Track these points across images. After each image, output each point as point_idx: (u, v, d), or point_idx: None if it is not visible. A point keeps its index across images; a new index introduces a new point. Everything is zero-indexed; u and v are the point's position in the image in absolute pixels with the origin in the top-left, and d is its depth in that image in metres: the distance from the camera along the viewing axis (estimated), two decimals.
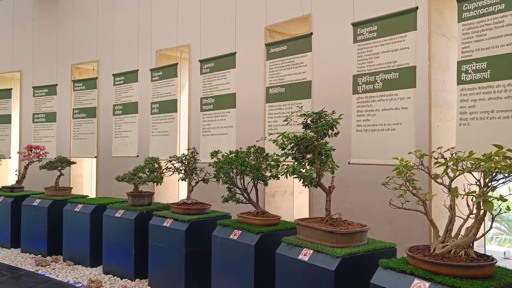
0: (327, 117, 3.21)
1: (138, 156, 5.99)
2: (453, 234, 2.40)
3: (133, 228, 4.72)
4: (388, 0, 3.89)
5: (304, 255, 2.90)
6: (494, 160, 2.16)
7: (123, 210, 4.91)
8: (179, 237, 4.16)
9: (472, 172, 2.27)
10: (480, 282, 2.09)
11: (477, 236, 2.27)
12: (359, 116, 3.74)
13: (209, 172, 4.53)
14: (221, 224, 3.88)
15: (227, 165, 3.84)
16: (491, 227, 2.31)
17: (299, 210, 5.21)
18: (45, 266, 5.38)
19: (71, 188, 6.51)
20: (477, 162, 2.21)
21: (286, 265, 3.05)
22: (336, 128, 3.21)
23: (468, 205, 2.31)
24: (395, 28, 3.55)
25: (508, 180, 2.19)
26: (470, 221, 2.31)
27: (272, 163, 3.71)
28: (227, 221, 3.90)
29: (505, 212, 2.21)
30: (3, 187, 6.89)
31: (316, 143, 3.18)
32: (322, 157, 3.20)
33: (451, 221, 2.40)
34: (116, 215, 4.91)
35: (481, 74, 3.01)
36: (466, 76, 3.09)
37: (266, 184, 3.94)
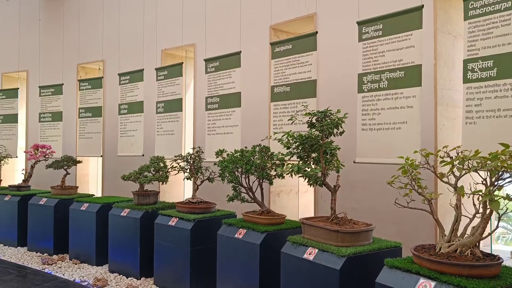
0: (332, 116, 3.21)
1: (143, 155, 6.00)
2: (459, 233, 2.38)
3: (139, 227, 4.73)
4: None
5: (309, 254, 2.90)
6: (501, 159, 2.14)
7: (129, 209, 4.93)
8: (185, 236, 4.17)
9: (478, 171, 2.26)
10: (486, 281, 2.08)
11: (483, 236, 2.25)
12: (365, 115, 3.72)
13: (214, 171, 4.53)
14: (226, 223, 3.89)
15: (232, 164, 3.84)
16: (497, 227, 2.29)
17: (305, 209, 5.21)
18: (51, 265, 5.41)
19: (77, 187, 6.54)
20: (483, 161, 2.20)
21: (291, 264, 3.04)
22: (341, 127, 3.21)
23: (474, 204, 2.30)
24: (400, 27, 3.53)
25: None
26: (476, 221, 2.30)
27: (277, 162, 3.71)
28: (232, 220, 3.90)
29: (511, 211, 2.20)
30: (10, 186, 6.94)
31: (321, 142, 3.17)
32: (327, 156, 3.19)
33: (457, 220, 2.39)
34: (122, 214, 4.93)
35: (487, 73, 2.99)
36: (472, 75, 3.07)
37: (271, 183, 3.94)
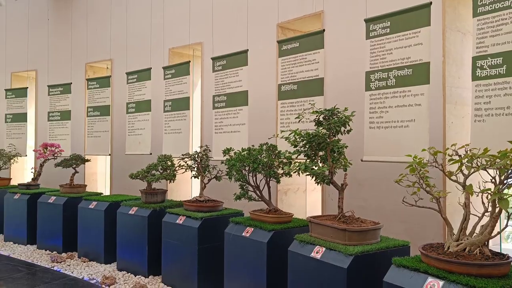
0: (339, 114, 3.20)
1: (151, 153, 6.03)
2: (467, 232, 2.37)
3: (147, 225, 4.75)
4: None
5: (317, 252, 2.90)
6: (510, 157, 2.12)
7: (137, 207, 4.95)
8: (192, 234, 4.18)
9: (487, 169, 2.24)
10: (495, 281, 2.06)
11: (492, 235, 2.23)
12: (372, 113, 3.70)
13: (221, 169, 4.54)
14: (233, 222, 3.89)
15: (240, 162, 3.84)
16: (506, 225, 2.27)
17: (312, 208, 5.20)
18: (60, 263, 5.45)
19: (86, 185, 6.59)
20: (492, 159, 2.18)
21: (298, 263, 3.04)
22: (349, 125, 3.19)
23: (483, 203, 2.28)
24: (408, 24, 3.51)
25: None
26: (485, 219, 2.28)
27: (285, 160, 3.70)
28: (239, 219, 3.91)
29: None
30: (19, 184, 7.00)
31: (329, 140, 3.16)
32: (335, 154, 3.18)
33: (465, 219, 2.37)
34: (130, 212, 4.96)
35: (496, 70, 2.96)
36: (481, 72, 3.04)
37: (278, 182, 3.93)
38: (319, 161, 3.25)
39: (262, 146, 3.93)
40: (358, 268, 2.69)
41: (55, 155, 6.66)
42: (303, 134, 3.23)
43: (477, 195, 2.27)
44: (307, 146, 3.23)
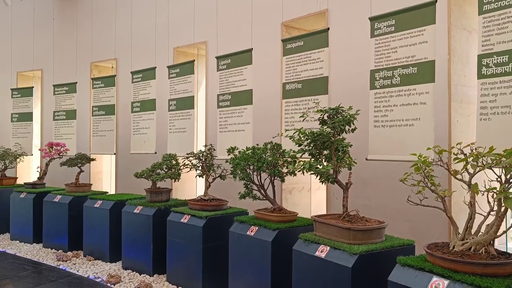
0: (344, 113, 3.19)
1: (156, 152, 6.04)
2: (473, 231, 2.35)
3: (152, 224, 4.77)
4: None
5: (321, 251, 2.89)
6: None
7: (142, 206, 4.96)
8: (197, 233, 4.19)
9: (492, 168, 2.22)
10: (501, 280, 2.05)
11: (498, 234, 2.22)
12: (377, 111, 3.69)
13: (226, 168, 4.54)
14: (238, 221, 3.90)
15: (244, 161, 3.84)
16: None
17: (317, 207, 5.19)
18: (66, 261, 5.48)
19: (91, 184, 6.61)
20: (498, 158, 2.16)
21: (303, 262, 3.04)
22: (353, 124, 3.18)
23: (488, 202, 2.26)
24: (413, 22, 3.49)
25: None
26: (491, 218, 2.27)
27: (289, 159, 3.70)
28: (244, 218, 3.91)
29: None
30: (25, 183, 7.03)
31: (333, 139, 3.15)
32: (339, 153, 3.17)
33: (471, 218, 2.35)
34: (135, 211, 4.97)
35: (502, 68, 2.94)
36: (487, 70, 3.02)
37: (283, 181, 3.93)
38: (323, 160, 3.25)
39: (266, 145, 3.93)
40: (363, 267, 2.68)
41: (61, 154, 6.69)
42: (307, 133, 3.22)
43: (483, 194, 2.26)
44: (312, 145, 3.22)
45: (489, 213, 2.27)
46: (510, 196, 2.09)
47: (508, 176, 2.17)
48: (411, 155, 2.72)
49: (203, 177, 4.77)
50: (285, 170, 3.83)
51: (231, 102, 5.12)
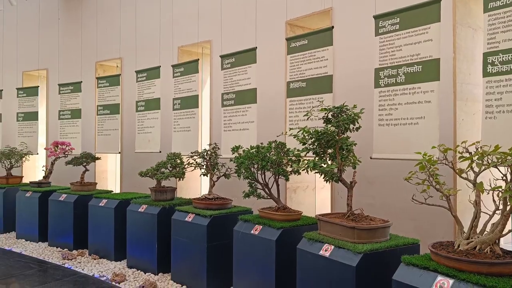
0: (348, 112, 3.18)
1: (160, 151, 6.05)
2: (478, 230, 2.34)
3: (156, 223, 4.78)
4: None
5: (325, 250, 2.89)
6: None
7: (146, 205, 4.98)
8: (201, 231, 4.19)
9: (498, 167, 2.21)
10: (506, 279, 2.03)
11: (503, 233, 2.21)
12: (381, 110, 3.68)
13: (230, 167, 4.54)
14: (242, 219, 3.90)
15: (248, 160, 3.84)
16: None
17: (321, 206, 5.19)
18: (71, 260, 5.50)
19: (96, 183, 6.63)
20: (503, 156, 2.15)
21: (307, 261, 3.03)
22: (358, 123, 3.17)
23: (494, 201, 2.25)
24: (418, 20, 3.47)
25: None
26: (496, 217, 2.25)
27: (293, 158, 3.70)
28: (248, 216, 3.91)
29: None
30: (31, 182, 7.07)
31: (337, 137, 3.14)
32: (344, 152, 3.16)
33: (476, 217, 2.34)
34: (140, 210, 4.98)
35: (508, 66, 2.92)
36: (492, 68, 3.00)
37: (287, 179, 3.92)
38: (328, 158, 3.24)
39: (270, 143, 3.93)
40: (367, 266, 2.67)
41: (66, 153, 6.72)
42: (311, 132, 3.21)
43: (488, 193, 2.24)
44: (316, 144, 3.22)
45: (494, 212, 2.25)
46: None
47: None
48: (415, 153, 2.71)
49: (207, 176, 4.78)
50: (289, 169, 3.83)
51: (236, 101, 5.11)
